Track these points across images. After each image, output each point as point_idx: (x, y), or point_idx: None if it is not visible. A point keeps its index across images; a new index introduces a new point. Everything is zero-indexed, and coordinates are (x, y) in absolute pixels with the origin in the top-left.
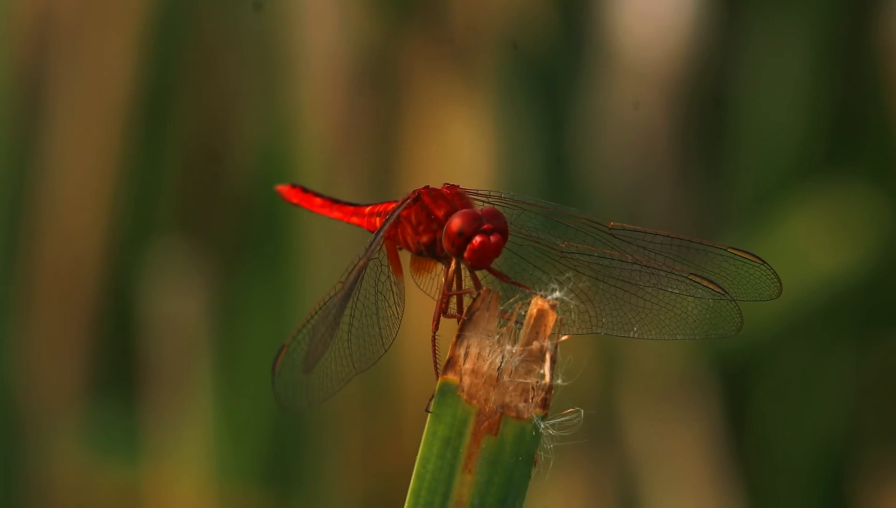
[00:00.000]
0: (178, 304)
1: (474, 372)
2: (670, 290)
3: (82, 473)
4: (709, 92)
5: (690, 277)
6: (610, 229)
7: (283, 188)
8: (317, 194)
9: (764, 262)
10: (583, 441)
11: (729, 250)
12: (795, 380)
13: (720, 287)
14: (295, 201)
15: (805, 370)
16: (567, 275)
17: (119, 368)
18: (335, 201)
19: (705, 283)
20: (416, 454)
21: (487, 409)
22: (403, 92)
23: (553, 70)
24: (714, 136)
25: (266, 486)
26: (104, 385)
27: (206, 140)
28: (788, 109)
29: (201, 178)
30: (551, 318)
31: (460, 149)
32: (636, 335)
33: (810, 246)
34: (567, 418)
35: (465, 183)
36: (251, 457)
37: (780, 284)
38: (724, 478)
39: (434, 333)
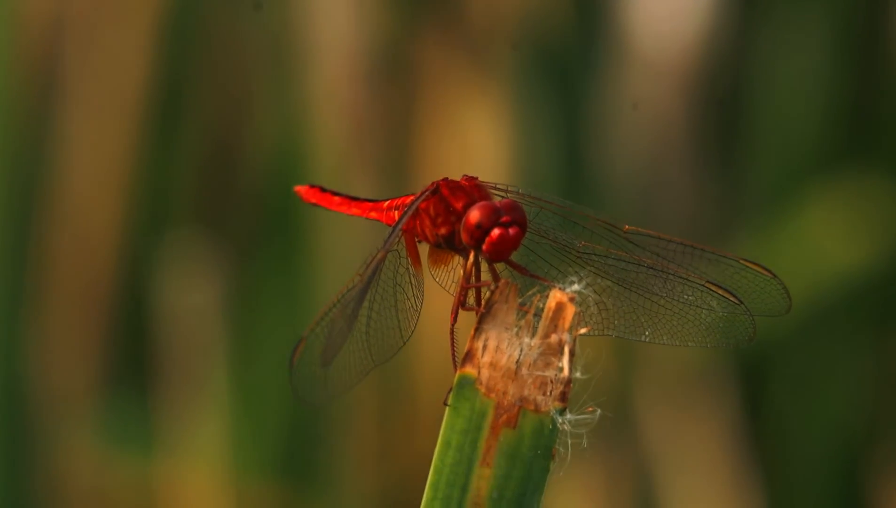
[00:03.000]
0: (193, 297)
1: (492, 365)
2: (686, 296)
3: (97, 466)
4: (725, 85)
5: (706, 284)
6: (625, 232)
7: (301, 189)
8: (335, 193)
9: (775, 276)
10: (601, 436)
11: (741, 261)
12: (813, 373)
13: (736, 297)
14: (313, 200)
15: (822, 363)
16: (587, 269)
17: (133, 360)
18: (353, 199)
19: (721, 292)
20: (434, 447)
21: (506, 402)
22: (419, 85)
23: (569, 63)
24: (730, 128)
25: (281, 479)
26: (118, 378)
27: (221, 133)
28: (805, 101)
29: (216, 170)
30: (570, 311)
31: (476, 142)
32: (647, 340)
33: (827, 239)
34: (585, 416)
35: (481, 176)
36: (266, 450)
37: (790, 300)
38: (742, 472)
39: (452, 325)
